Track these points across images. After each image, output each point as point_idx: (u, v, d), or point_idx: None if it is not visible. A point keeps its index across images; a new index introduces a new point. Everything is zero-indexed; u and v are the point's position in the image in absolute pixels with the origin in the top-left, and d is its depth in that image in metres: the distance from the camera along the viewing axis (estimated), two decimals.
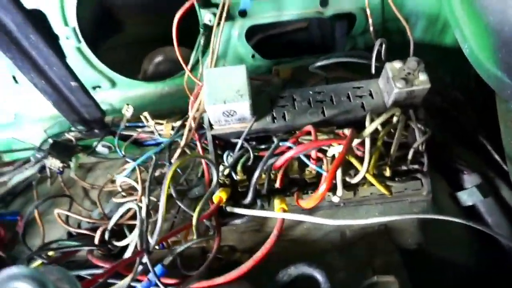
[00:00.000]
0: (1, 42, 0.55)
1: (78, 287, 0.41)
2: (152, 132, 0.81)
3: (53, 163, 0.69)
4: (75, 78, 0.66)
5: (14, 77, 0.96)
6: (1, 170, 0.80)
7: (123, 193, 0.72)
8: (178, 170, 0.76)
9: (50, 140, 0.81)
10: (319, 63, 0.74)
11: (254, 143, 0.72)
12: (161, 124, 0.80)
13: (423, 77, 0.63)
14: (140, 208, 0.58)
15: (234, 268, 0.63)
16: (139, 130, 0.81)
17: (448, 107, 0.80)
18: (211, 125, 0.70)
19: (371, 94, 0.70)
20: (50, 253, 0.66)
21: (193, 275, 0.62)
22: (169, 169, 0.55)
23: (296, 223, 0.72)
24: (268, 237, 0.65)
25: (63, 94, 0.68)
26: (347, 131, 0.66)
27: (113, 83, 0.98)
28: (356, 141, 0.63)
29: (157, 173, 0.76)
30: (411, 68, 0.65)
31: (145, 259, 0.57)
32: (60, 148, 0.70)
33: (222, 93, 0.65)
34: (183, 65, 0.79)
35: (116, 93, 0.99)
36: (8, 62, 0.93)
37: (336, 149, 0.65)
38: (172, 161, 0.71)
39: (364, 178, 0.65)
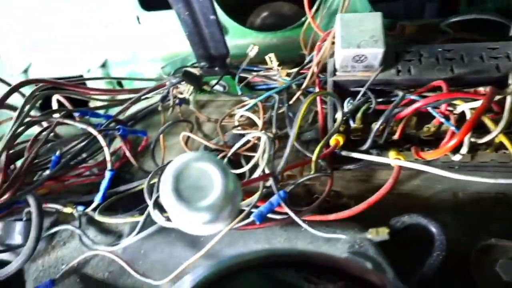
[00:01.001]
0: None
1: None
2: (265, 76, 0.84)
3: (187, 89, 0.74)
4: (214, 12, 0.69)
5: (138, 18, 1.04)
6: (126, 96, 0.87)
7: (239, 127, 0.77)
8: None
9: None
10: (454, 19, 0.71)
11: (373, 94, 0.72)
12: (276, 70, 0.83)
13: None
14: (268, 136, 0.62)
15: (340, 210, 0.65)
16: (254, 73, 0.84)
17: None
18: (334, 71, 0.71)
19: (508, 57, 0.67)
20: None
21: (305, 209, 0.64)
22: (305, 100, 0.58)
23: (406, 179, 0.72)
24: (374, 188, 0.66)
25: (200, 27, 0.72)
26: (482, 89, 0.64)
27: (226, 30, 1.02)
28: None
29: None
30: None
31: (270, 182, 0.60)
32: (191, 77, 0.75)
33: (356, 37, 0.65)
34: (308, 14, 0.80)
35: (227, 40, 1.03)
36: (136, 3, 1.02)
37: (466, 106, 0.63)
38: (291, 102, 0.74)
39: (490, 142, 0.63)
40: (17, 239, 0.65)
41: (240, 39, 1.03)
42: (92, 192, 0.80)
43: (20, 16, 1.12)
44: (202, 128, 0.86)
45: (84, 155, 0.79)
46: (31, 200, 0.62)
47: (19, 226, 0.65)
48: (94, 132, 0.65)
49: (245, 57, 0.83)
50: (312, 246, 0.61)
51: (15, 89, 0.62)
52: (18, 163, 0.72)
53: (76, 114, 0.73)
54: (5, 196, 0.59)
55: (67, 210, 0.69)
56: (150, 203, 0.59)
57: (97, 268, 0.64)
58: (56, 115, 0.72)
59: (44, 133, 0.66)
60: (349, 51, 0.65)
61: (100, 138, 0.65)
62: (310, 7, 0.82)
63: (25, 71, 1.14)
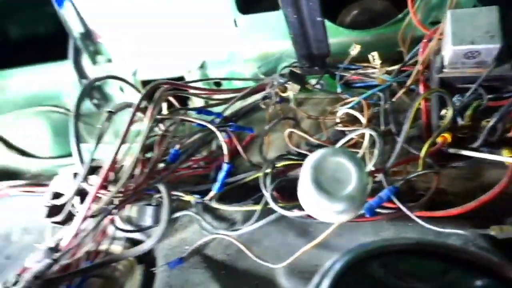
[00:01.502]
0: None
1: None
2: (363, 74, 0.85)
3: (294, 88, 0.79)
4: (321, 14, 0.73)
5: (235, 21, 1.11)
6: (230, 95, 0.94)
7: (340, 124, 0.80)
8: None
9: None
10: None
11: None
12: (375, 68, 0.84)
13: None
14: (378, 133, 0.64)
15: (446, 208, 0.65)
16: (352, 71, 0.86)
17: None
18: (441, 68, 0.71)
19: None
20: (278, 164, 0.77)
21: (413, 204, 0.66)
22: (418, 98, 0.59)
23: None
24: (481, 187, 0.65)
25: (305, 28, 0.76)
26: None
27: None
28: None
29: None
30: None
31: (380, 177, 0.62)
32: (295, 76, 0.80)
33: (470, 33, 0.65)
34: (410, 10, 0.81)
35: None
36: (234, 7, 1.09)
37: None
38: (394, 99, 0.75)
39: None
40: (147, 221, 0.76)
41: (334, 38, 1.05)
42: (199, 183, 0.88)
43: (129, 23, 1.26)
44: (301, 125, 0.90)
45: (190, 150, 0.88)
46: (162, 188, 0.71)
47: (149, 210, 0.75)
48: (213, 128, 0.73)
49: (343, 55, 0.86)
50: None
51: (149, 92, 0.71)
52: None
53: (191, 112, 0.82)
54: (143, 184, 0.69)
55: (187, 198, 0.77)
56: (267, 194, 0.65)
57: (216, 250, 0.72)
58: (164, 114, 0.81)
59: (172, 128, 0.75)
60: (462, 47, 0.65)
61: (218, 134, 0.72)
62: (413, 4, 0.82)
63: (134, 74, 1.28)
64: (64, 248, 0.65)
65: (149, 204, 0.76)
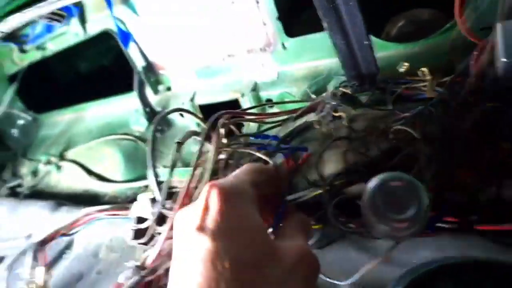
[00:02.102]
0: (325, 9, 0.69)
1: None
2: (414, 89, 0.87)
3: (347, 110, 0.83)
4: (368, 38, 0.76)
5: (283, 44, 1.17)
6: (283, 117, 0.99)
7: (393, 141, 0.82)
8: None
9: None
10: None
11: None
12: (425, 80, 0.85)
13: None
14: (431, 147, 0.66)
15: None
16: (403, 86, 0.88)
17: None
18: (496, 80, 0.71)
19: None
20: (335, 182, 0.80)
21: (477, 218, 0.66)
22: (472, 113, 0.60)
23: None
24: None
25: (353, 51, 0.80)
26: None
27: None
28: None
29: None
30: None
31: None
32: (347, 98, 0.84)
33: None
34: (458, 20, 0.81)
35: None
36: (280, 31, 1.15)
37: None
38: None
39: None
40: None
41: (381, 52, 1.07)
42: None
43: (187, 53, 1.37)
44: (354, 142, 0.93)
45: None
46: None
47: None
48: (266, 158, 0.79)
49: (392, 69, 0.88)
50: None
51: (214, 122, 0.79)
52: None
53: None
54: None
55: None
56: (328, 213, 0.70)
57: None
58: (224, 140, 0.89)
59: (234, 153, 0.82)
60: None
61: (276, 158, 0.78)
62: (461, 13, 0.82)
63: (192, 99, 1.38)
64: (149, 266, 0.74)
65: None
